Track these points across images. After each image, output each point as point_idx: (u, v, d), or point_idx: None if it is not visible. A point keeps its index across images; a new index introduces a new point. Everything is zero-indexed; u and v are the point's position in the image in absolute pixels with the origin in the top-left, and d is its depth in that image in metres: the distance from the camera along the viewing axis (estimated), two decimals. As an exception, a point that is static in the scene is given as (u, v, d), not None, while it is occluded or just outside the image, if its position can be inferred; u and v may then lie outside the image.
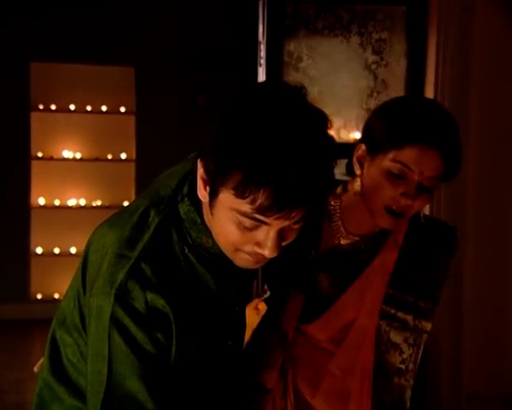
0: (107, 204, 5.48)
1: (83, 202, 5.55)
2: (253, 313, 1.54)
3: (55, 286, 5.40)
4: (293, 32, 3.08)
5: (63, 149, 5.52)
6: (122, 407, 1.09)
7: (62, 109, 5.44)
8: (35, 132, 5.39)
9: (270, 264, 1.16)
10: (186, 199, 1.17)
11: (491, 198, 3.02)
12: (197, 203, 1.15)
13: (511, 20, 2.99)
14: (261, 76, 3.15)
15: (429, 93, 2.97)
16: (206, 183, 1.08)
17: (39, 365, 1.37)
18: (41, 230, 5.47)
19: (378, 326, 1.39)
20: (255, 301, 1.57)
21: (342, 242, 1.42)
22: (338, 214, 1.42)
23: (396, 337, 1.40)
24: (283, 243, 1.09)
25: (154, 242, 1.13)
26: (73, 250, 5.45)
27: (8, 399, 3.84)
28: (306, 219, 1.06)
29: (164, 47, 5.40)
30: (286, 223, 1.04)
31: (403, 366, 1.41)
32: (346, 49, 3.14)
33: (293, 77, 3.04)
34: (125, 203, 5.29)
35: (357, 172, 1.37)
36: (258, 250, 1.08)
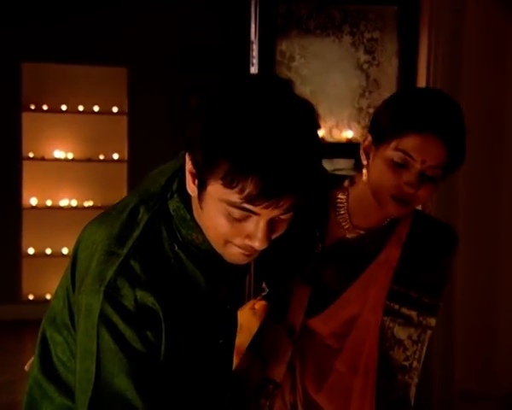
0: (99, 205, 5.47)
1: (75, 203, 5.54)
2: (250, 314, 1.54)
3: (47, 287, 5.38)
4: (286, 31, 3.08)
5: (55, 150, 5.50)
6: (110, 405, 1.09)
7: (54, 110, 5.43)
8: (26, 133, 5.38)
9: (270, 258, 1.16)
10: (175, 196, 1.16)
11: (482, 198, 3.03)
12: (187, 200, 1.15)
13: (502, 20, 3.01)
14: (253, 76, 3.14)
15: (421, 93, 2.98)
16: (194, 176, 1.07)
17: (30, 363, 1.36)
18: (33, 230, 5.45)
19: (382, 322, 1.40)
20: (251, 302, 1.56)
21: (348, 235, 1.43)
22: (345, 207, 1.43)
23: (400, 334, 1.41)
24: (274, 236, 1.09)
25: (144, 239, 1.12)
26: (65, 251, 5.43)
27: (-1, 399, 3.84)
28: (296, 209, 1.06)
29: (156, 47, 5.39)
30: (275, 212, 1.03)
31: (407, 363, 1.42)
32: (338, 49, 3.14)
33: (285, 76, 3.03)
34: (117, 204, 5.26)
35: (364, 162, 1.38)
36: (248, 243, 1.07)
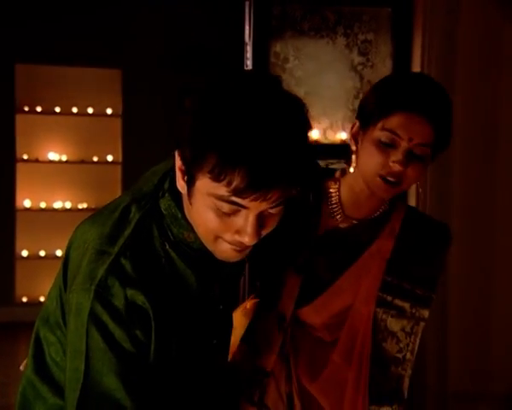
0: (93, 207, 5.46)
1: (68, 205, 5.53)
2: (241, 314, 1.54)
3: (41, 289, 5.37)
4: (280, 33, 3.08)
5: (49, 152, 5.49)
6: (99, 404, 1.09)
7: (48, 111, 5.42)
8: (20, 134, 5.37)
9: (263, 248, 1.16)
10: (167, 194, 1.17)
11: (477, 198, 3.05)
12: (178, 198, 1.15)
13: (496, 21, 3.02)
14: (248, 77, 3.14)
15: (415, 94, 2.99)
16: (183, 173, 1.08)
17: (25, 364, 1.36)
18: (26, 232, 5.44)
19: (375, 314, 1.41)
20: (244, 303, 1.56)
21: (340, 225, 1.44)
22: (337, 198, 1.44)
23: (393, 326, 1.42)
24: (264, 231, 1.09)
25: (135, 237, 1.13)
26: (59, 253, 5.42)
27: (-7, 402, 3.82)
28: (285, 203, 1.06)
29: (150, 49, 5.39)
30: (263, 205, 1.04)
31: (400, 355, 1.43)
32: (332, 51, 3.15)
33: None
34: (112, 206, 5.26)
35: (353, 147, 1.41)
36: (238, 238, 1.07)
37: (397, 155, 1.31)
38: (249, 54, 3.05)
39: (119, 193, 5.49)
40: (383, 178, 1.34)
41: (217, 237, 1.10)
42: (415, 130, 1.30)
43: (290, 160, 1.02)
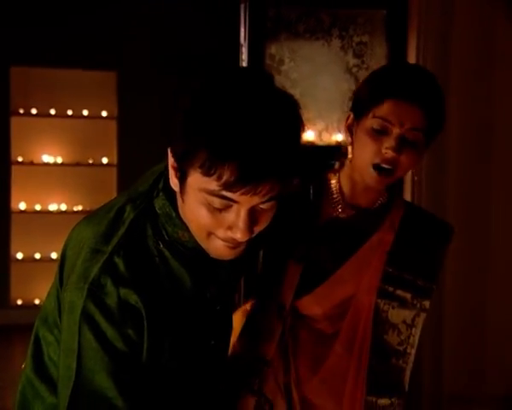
0: (88, 209, 5.45)
1: (64, 207, 5.52)
2: (241, 316, 1.54)
3: (36, 292, 5.35)
4: (275, 35, 3.09)
5: (44, 154, 5.48)
6: (90, 402, 1.09)
7: (43, 114, 5.41)
8: (15, 137, 5.35)
9: (265, 238, 1.17)
10: (161, 194, 1.17)
11: (471, 197, 3.06)
12: (172, 198, 1.16)
13: (490, 23, 3.04)
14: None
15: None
16: (176, 170, 1.09)
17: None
18: (21, 235, 5.42)
19: (376, 305, 1.42)
20: (245, 305, 1.56)
21: (341, 215, 1.46)
22: (337, 189, 1.47)
23: (394, 318, 1.44)
24: (256, 228, 1.09)
25: (129, 236, 1.13)
26: (54, 255, 5.40)
27: (-12, 405, 3.81)
28: (277, 198, 1.06)
29: (145, 51, 5.38)
30: (254, 200, 1.04)
31: (401, 348, 1.44)
32: (327, 53, 3.16)
33: (275, 84, 3.04)
34: (107, 208, 5.25)
35: (349, 139, 1.43)
36: (231, 234, 1.07)
37: (389, 142, 1.34)
38: (244, 55, 3.06)
39: (114, 195, 5.46)
40: (377, 167, 1.35)
41: (209, 234, 1.10)
42: (405, 115, 1.33)
43: (279, 153, 1.02)
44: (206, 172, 1.01)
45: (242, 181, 1.00)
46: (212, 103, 1.02)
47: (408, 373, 1.46)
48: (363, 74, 3.17)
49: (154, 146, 5.19)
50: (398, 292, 1.43)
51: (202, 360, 1.26)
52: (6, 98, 5.27)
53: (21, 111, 5.38)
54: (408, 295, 1.43)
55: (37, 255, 5.46)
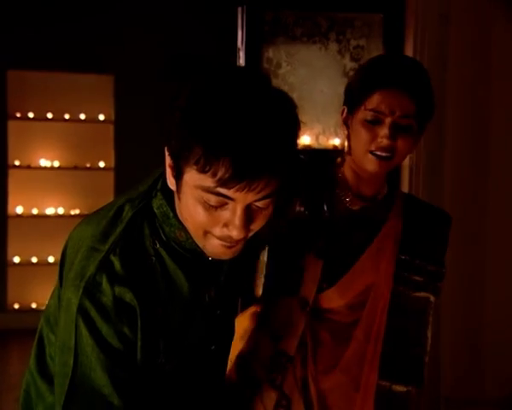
0: (85, 213, 5.44)
1: (61, 211, 5.51)
2: (245, 320, 1.55)
3: (33, 296, 5.34)
4: (272, 38, 3.10)
5: (41, 158, 5.47)
6: (86, 400, 1.09)
7: (40, 117, 5.40)
8: (12, 141, 5.35)
9: (282, 235, 1.17)
10: (159, 194, 1.18)
11: (467, 197, 3.08)
12: (170, 198, 1.16)
13: (486, 28, 3.05)
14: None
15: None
16: (172, 169, 1.09)
17: None
18: (18, 239, 5.41)
19: (393, 292, 1.48)
20: (253, 307, 1.56)
21: (352, 207, 1.51)
22: (343, 182, 1.52)
23: (407, 304, 1.49)
24: (253, 226, 1.09)
25: (126, 235, 1.14)
26: (51, 259, 5.40)
27: (-16, 410, 3.79)
28: (273, 196, 1.07)
29: (143, 55, 5.39)
30: (249, 197, 1.04)
31: (417, 335, 1.50)
32: (324, 56, 3.16)
33: (272, 83, 3.05)
34: (104, 212, 5.24)
35: (345, 132, 1.48)
36: (227, 232, 1.08)
37: (384, 130, 1.39)
38: (242, 59, 3.06)
39: (111, 199, 5.40)
40: (374, 153, 1.41)
41: (206, 233, 1.10)
42: (395, 103, 1.38)
43: (274, 150, 1.03)
44: (202, 169, 1.02)
45: (237, 177, 1.01)
46: (207, 100, 1.03)
47: (426, 360, 1.51)
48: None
49: (152, 150, 5.19)
50: (412, 277, 1.49)
51: (202, 364, 1.26)
52: (3, 102, 5.27)
53: (18, 115, 5.37)
54: (422, 280, 1.50)
55: (34, 259, 5.45)
